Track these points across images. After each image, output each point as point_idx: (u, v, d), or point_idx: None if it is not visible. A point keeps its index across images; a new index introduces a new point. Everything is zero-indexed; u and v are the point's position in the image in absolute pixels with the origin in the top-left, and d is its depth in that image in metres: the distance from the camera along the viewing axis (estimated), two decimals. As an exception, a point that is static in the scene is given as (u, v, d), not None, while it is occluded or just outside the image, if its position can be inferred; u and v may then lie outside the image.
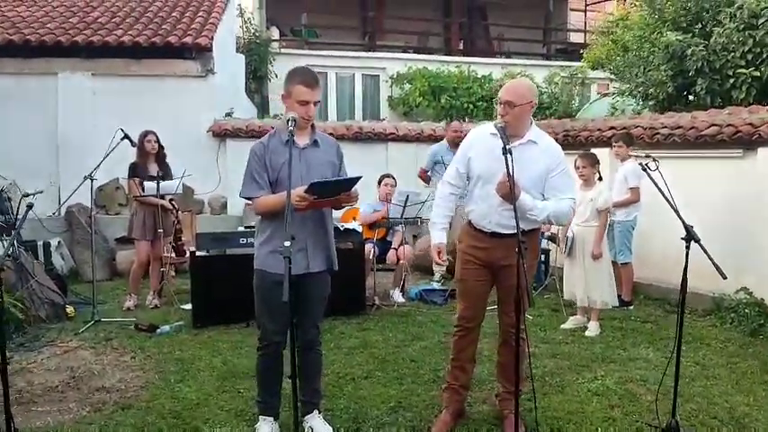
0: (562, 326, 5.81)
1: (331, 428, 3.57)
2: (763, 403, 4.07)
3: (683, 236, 3.45)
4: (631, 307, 6.40)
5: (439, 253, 3.70)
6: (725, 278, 3.34)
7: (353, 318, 6.02)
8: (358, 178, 3.37)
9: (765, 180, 5.88)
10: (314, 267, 3.43)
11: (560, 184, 3.57)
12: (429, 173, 7.93)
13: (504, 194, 3.39)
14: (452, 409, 3.75)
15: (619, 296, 6.13)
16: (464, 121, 11.62)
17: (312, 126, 3.48)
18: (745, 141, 6.02)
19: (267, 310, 3.43)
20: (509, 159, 3.23)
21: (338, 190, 3.35)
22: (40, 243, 7.68)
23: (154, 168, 6.49)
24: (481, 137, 3.67)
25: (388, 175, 7.06)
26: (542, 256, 7.32)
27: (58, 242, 8.14)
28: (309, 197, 3.20)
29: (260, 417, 3.58)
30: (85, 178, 5.94)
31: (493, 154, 3.44)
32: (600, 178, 5.71)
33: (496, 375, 3.96)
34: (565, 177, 3.61)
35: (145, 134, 6.52)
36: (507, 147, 3.29)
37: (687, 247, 3.46)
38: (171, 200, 6.55)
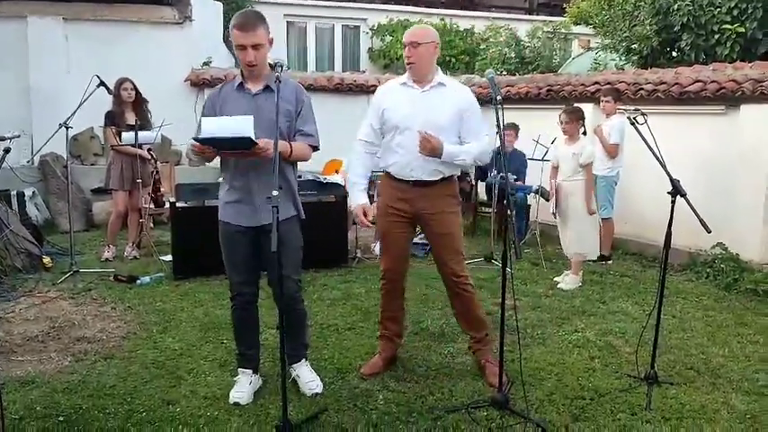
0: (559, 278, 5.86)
1: (317, 376, 3.57)
2: (737, 354, 4.18)
3: (670, 190, 3.47)
4: (610, 261, 6.48)
5: (365, 214, 3.65)
6: (709, 232, 3.38)
7: (336, 270, 6.02)
8: (249, 139, 2.97)
9: (747, 136, 5.92)
10: (266, 220, 3.11)
11: (475, 125, 3.60)
12: None
13: (428, 152, 3.42)
14: (385, 355, 3.87)
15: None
16: (446, 74, 11.54)
17: (272, 68, 3.21)
18: (729, 98, 6.03)
19: (229, 260, 3.37)
20: (499, 112, 3.20)
21: (238, 146, 3.05)
22: (13, 193, 7.51)
23: (131, 117, 6.32)
24: (391, 89, 3.69)
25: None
26: (525, 212, 7.36)
27: (33, 192, 7.98)
28: (207, 149, 3.06)
29: (239, 369, 3.54)
30: (60, 126, 5.76)
31: (406, 101, 3.54)
32: (584, 133, 5.69)
33: (461, 327, 3.95)
34: (477, 117, 3.63)
35: (121, 82, 6.33)
36: (496, 98, 3.27)
37: (673, 202, 3.49)
38: (149, 150, 6.41)
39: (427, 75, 3.56)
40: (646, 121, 3.72)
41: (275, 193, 2.70)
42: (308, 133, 3.31)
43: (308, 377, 3.54)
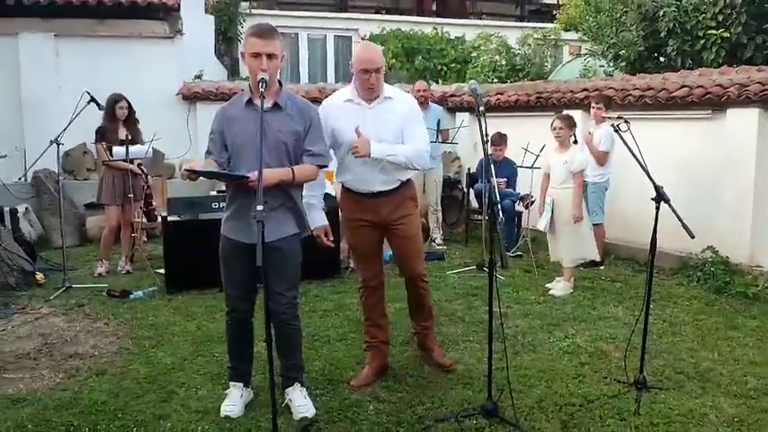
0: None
1: (310, 402, 3.42)
2: (726, 358, 4.20)
3: (654, 197, 3.51)
4: (602, 267, 6.51)
5: (326, 234, 3.64)
6: (693, 237, 3.42)
7: (328, 281, 6.03)
8: (240, 176, 3.05)
9: (733, 141, 5.96)
10: (266, 237, 2.96)
11: (413, 132, 3.62)
12: None
13: (361, 155, 3.41)
14: (375, 364, 3.89)
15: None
16: (437, 82, 11.60)
17: (280, 85, 3.28)
18: (715, 103, 6.08)
19: (227, 275, 3.39)
20: (482, 122, 3.24)
21: (230, 179, 3.16)
22: (6, 209, 7.53)
23: (123, 132, 6.36)
24: (336, 105, 3.64)
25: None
26: (515, 219, 7.39)
27: (26, 208, 7.98)
28: (193, 176, 3.10)
29: (230, 383, 3.54)
30: (51, 143, 5.79)
31: (355, 120, 3.49)
32: (575, 141, 5.73)
33: (411, 316, 4.09)
34: (417, 125, 3.66)
35: (116, 99, 6.36)
36: (479, 108, 3.31)
37: (657, 208, 3.53)
38: (140, 164, 6.44)
39: (379, 92, 3.58)
40: (629, 128, 3.76)
41: (260, 208, 2.71)
42: (315, 153, 3.28)
43: (299, 402, 3.40)
